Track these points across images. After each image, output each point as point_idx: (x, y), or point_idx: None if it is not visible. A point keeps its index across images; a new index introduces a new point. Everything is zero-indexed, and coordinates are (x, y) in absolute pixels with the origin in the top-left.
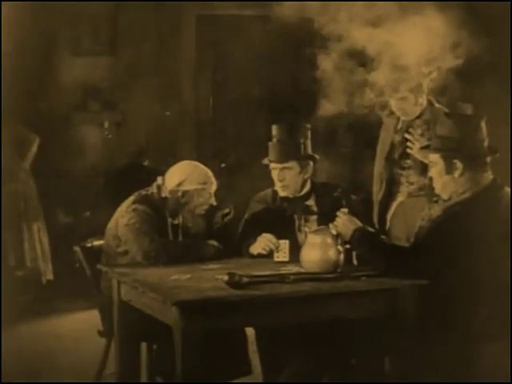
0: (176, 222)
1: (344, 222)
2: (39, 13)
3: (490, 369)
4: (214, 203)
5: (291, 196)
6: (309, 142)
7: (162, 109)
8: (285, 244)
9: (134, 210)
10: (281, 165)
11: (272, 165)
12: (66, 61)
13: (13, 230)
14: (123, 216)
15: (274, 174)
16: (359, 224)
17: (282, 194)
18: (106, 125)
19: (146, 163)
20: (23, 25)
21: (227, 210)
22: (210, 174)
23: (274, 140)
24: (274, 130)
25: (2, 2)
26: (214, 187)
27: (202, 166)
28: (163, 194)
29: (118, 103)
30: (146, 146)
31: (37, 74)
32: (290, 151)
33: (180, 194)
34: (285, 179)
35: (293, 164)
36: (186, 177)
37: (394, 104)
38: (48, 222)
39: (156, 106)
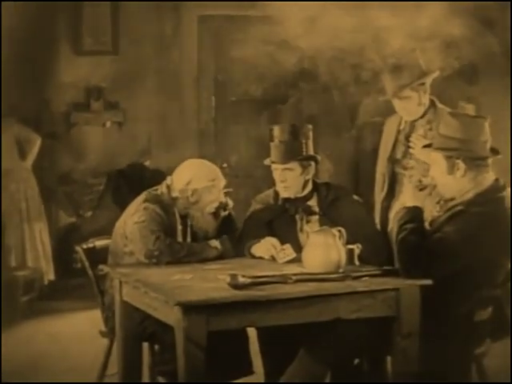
0: (185, 222)
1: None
2: (40, 12)
3: (491, 369)
4: (224, 200)
5: (292, 196)
6: (310, 143)
7: (164, 109)
8: (289, 249)
9: (144, 208)
10: (282, 166)
11: (273, 165)
12: (68, 60)
13: (14, 230)
14: (133, 214)
15: (276, 175)
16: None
17: (283, 194)
18: (108, 125)
19: (147, 163)
20: (24, 25)
21: (225, 201)
22: (218, 170)
23: (276, 141)
24: (276, 130)
25: (2, 2)
26: (222, 183)
27: (208, 163)
28: (173, 194)
29: (120, 103)
30: (147, 146)
31: (39, 73)
32: (292, 152)
33: (189, 192)
34: (286, 180)
35: (294, 165)
36: (193, 175)
37: (397, 104)
38: (50, 222)
39: (158, 107)
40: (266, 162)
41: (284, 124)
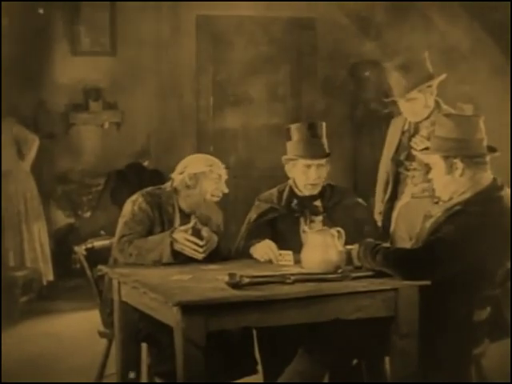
0: (185, 209)
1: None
2: (38, 13)
3: (490, 369)
4: (226, 190)
5: (310, 194)
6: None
7: (162, 109)
8: (289, 255)
9: (131, 201)
10: (318, 161)
11: (307, 162)
12: (66, 61)
13: (13, 231)
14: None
15: (308, 172)
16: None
17: (308, 192)
18: (107, 125)
19: (146, 163)
20: (23, 25)
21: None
22: (218, 161)
23: (308, 136)
24: (307, 127)
25: (2, 2)
26: (223, 172)
27: (208, 156)
28: (174, 186)
29: (118, 103)
30: (146, 147)
31: (37, 74)
32: (325, 148)
33: (187, 177)
34: (320, 177)
35: (326, 161)
36: (189, 161)
37: (403, 105)
38: (48, 223)
39: (156, 107)
40: (303, 158)
41: (314, 121)
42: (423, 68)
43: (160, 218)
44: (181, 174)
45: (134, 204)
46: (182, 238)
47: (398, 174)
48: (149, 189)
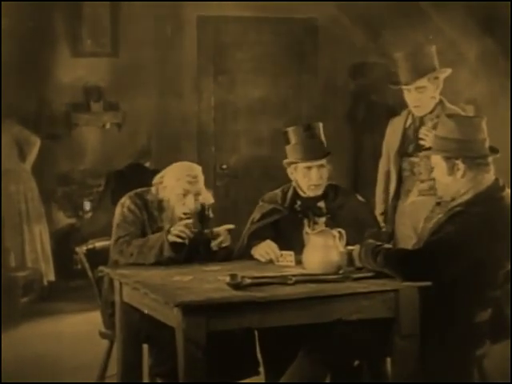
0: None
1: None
2: (40, 13)
3: (490, 369)
4: (188, 210)
5: (316, 194)
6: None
7: (163, 110)
8: (290, 256)
9: (121, 204)
10: (319, 162)
11: (307, 164)
12: (67, 62)
13: (14, 231)
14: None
15: (309, 174)
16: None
17: (312, 193)
18: (108, 126)
19: (147, 164)
20: (24, 25)
21: (221, 239)
22: (188, 173)
23: (305, 138)
24: (303, 129)
25: (2, 2)
26: (189, 186)
27: (188, 165)
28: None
29: (119, 104)
30: (147, 147)
31: (38, 74)
32: (324, 148)
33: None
34: (322, 177)
35: (325, 162)
36: (166, 172)
37: (409, 95)
38: (49, 224)
39: (157, 107)
40: (302, 161)
41: (312, 122)
42: (431, 60)
43: (149, 218)
44: (159, 183)
45: (122, 206)
46: (176, 227)
47: (402, 169)
48: (138, 190)
